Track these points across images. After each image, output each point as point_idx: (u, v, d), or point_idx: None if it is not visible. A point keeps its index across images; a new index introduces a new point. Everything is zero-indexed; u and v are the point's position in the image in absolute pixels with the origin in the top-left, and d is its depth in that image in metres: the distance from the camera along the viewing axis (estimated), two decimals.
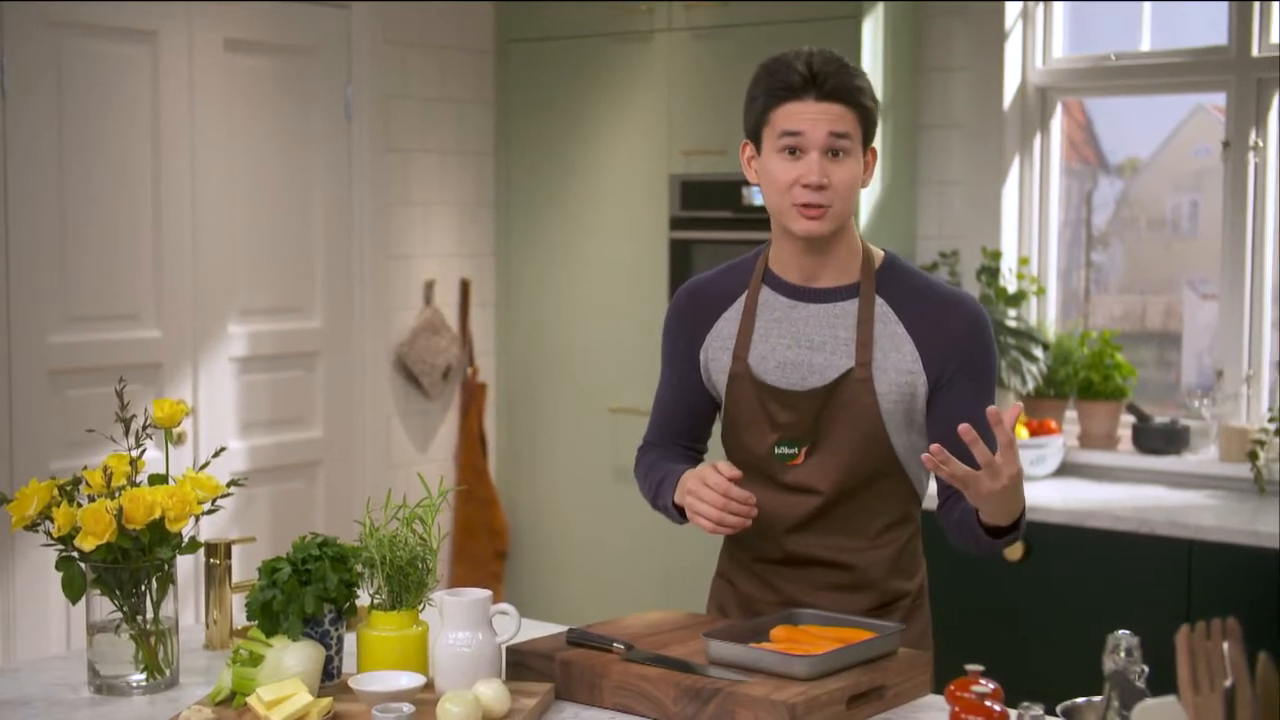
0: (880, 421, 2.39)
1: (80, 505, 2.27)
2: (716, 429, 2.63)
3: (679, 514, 2.47)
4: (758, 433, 2.45)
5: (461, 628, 2.18)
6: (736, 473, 2.34)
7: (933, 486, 2.51)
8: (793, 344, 2.44)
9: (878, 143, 4.54)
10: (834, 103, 2.34)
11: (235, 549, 2.60)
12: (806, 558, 2.46)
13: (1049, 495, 4.17)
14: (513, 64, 5.23)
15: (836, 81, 2.34)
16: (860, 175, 2.39)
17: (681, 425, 2.62)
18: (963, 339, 2.40)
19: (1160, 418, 4.52)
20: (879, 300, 2.42)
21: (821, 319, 2.44)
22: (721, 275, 2.57)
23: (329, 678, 2.27)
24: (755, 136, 2.44)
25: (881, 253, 2.49)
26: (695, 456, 2.65)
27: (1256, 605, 3.64)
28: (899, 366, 2.39)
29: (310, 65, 4.75)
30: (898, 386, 2.39)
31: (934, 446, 2.13)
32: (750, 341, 2.47)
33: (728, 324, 2.51)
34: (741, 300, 2.51)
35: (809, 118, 2.34)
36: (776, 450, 2.44)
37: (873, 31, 4.48)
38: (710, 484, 2.34)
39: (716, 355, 2.51)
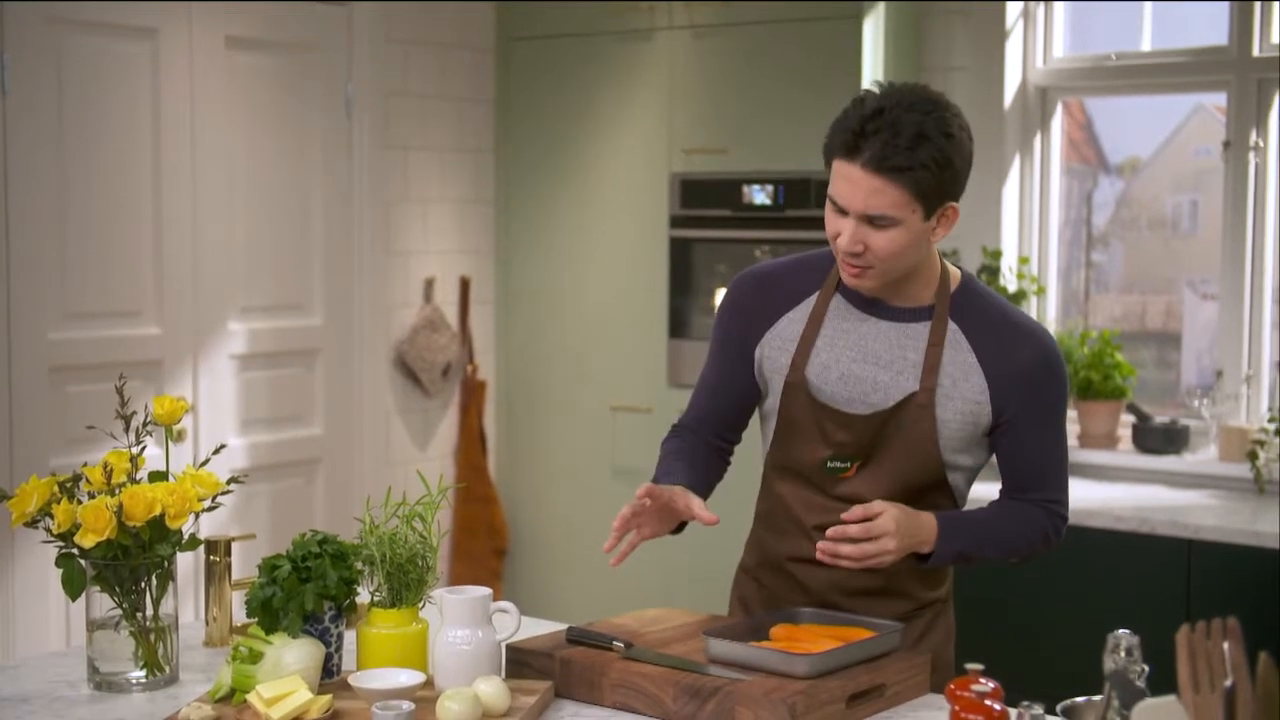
0: (936, 445, 2.36)
1: (80, 502, 2.27)
2: (754, 429, 2.59)
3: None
4: (810, 447, 2.41)
5: (461, 625, 2.18)
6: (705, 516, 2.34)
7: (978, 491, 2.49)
8: (858, 358, 2.38)
9: None
10: (879, 175, 2.21)
11: (235, 546, 2.60)
12: None
13: None
14: (513, 62, 5.23)
15: (880, 160, 2.20)
16: (909, 241, 2.26)
17: (720, 414, 2.54)
18: (1031, 375, 2.36)
19: (1160, 417, 4.52)
20: (952, 325, 2.37)
21: (891, 337, 2.38)
22: (791, 269, 2.49)
23: (329, 675, 2.27)
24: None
25: (959, 273, 2.43)
26: (724, 449, 2.58)
27: (1256, 605, 3.64)
28: (966, 396, 2.35)
29: (311, 62, 4.75)
30: (961, 415, 2.36)
31: (821, 544, 2.28)
32: (812, 350, 2.41)
33: (791, 325, 2.44)
34: (810, 302, 2.44)
35: (847, 188, 2.25)
36: (829, 464, 2.39)
37: (873, 31, 4.48)
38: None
39: (773, 355, 2.45)
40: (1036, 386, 2.37)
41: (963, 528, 2.39)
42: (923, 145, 2.21)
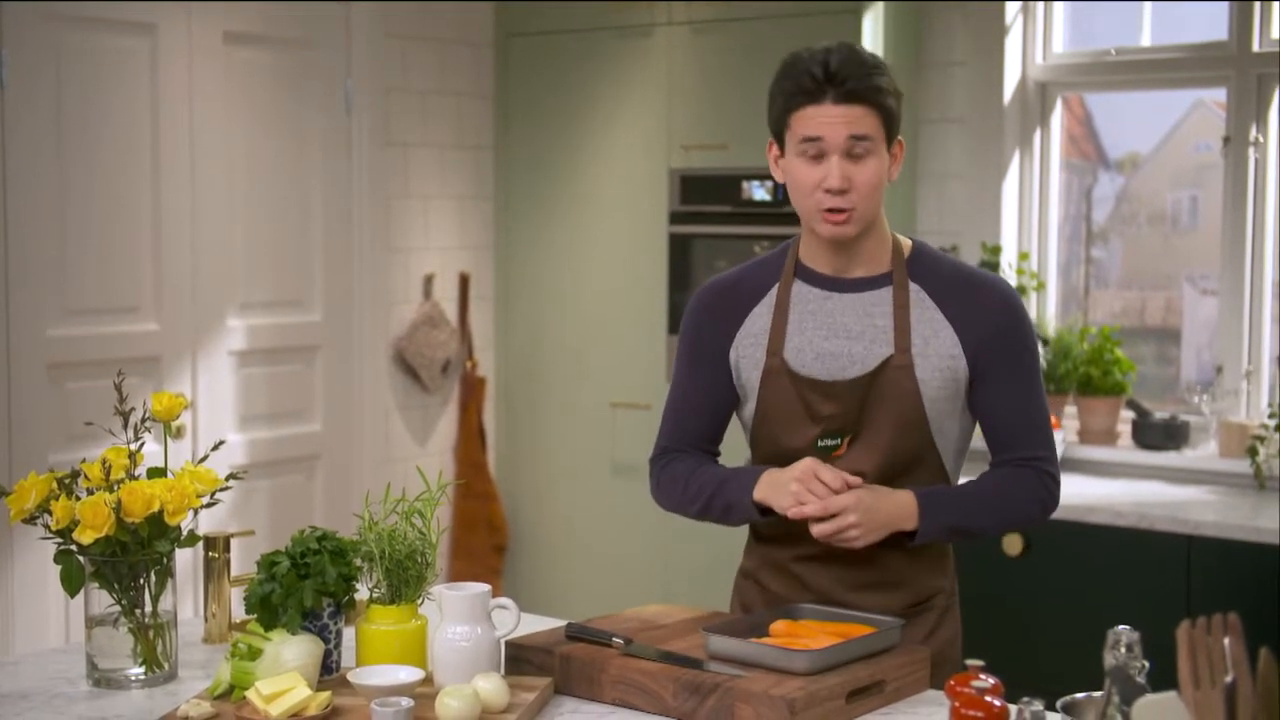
0: (921, 408, 2.38)
1: (79, 498, 2.27)
2: (738, 440, 2.59)
3: (759, 513, 2.40)
4: (799, 427, 2.41)
5: (460, 622, 2.18)
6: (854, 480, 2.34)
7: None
8: (830, 334, 2.42)
9: None
10: (852, 105, 2.32)
11: (234, 543, 2.60)
12: (844, 550, 2.38)
13: None
14: (513, 58, 5.22)
15: (854, 84, 2.32)
16: (884, 173, 2.37)
17: (703, 428, 2.54)
18: (997, 322, 2.40)
19: (1160, 413, 4.52)
20: (914, 286, 2.42)
21: (857, 308, 2.42)
22: (747, 272, 2.53)
23: (328, 671, 2.27)
24: (778, 138, 2.42)
25: (909, 242, 2.49)
26: (715, 459, 2.58)
27: (1256, 600, 3.64)
28: (940, 352, 2.39)
29: (310, 58, 4.75)
30: (940, 372, 2.39)
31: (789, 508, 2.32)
32: (785, 335, 2.44)
33: (758, 320, 2.47)
34: (771, 295, 2.47)
35: (827, 122, 2.33)
36: (820, 443, 2.40)
37: (873, 26, 4.48)
38: (826, 481, 2.32)
39: (748, 352, 2.47)
40: (1004, 331, 2.41)
41: (947, 501, 2.40)
42: (876, 72, 2.35)
